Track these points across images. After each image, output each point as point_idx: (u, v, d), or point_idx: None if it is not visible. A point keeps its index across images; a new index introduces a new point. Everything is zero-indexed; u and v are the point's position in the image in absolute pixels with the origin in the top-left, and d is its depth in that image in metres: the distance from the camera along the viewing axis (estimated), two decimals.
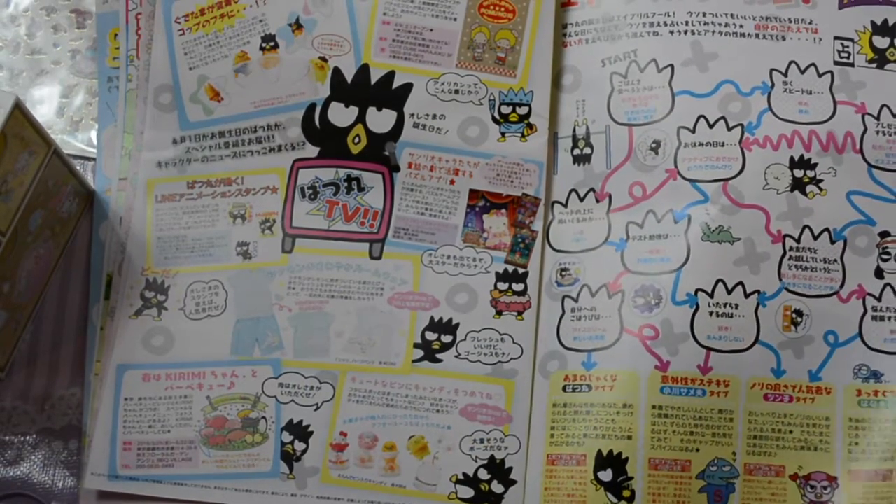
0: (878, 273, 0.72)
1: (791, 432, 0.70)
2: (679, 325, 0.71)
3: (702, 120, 0.74)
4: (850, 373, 0.70)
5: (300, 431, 0.73)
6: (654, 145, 0.74)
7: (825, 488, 0.69)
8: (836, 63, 0.75)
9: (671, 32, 0.76)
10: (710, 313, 0.71)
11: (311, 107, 0.77)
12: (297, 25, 0.78)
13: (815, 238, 0.72)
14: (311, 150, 0.77)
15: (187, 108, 0.77)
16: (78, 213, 0.78)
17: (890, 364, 0.70)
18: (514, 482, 0.72)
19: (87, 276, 0.77)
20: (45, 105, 0.81)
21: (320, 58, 0.77)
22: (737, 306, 0.71)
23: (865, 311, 0.71)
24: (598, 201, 0.75)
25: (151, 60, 0.78)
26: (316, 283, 0.75)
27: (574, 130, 0.76)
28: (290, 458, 0.73)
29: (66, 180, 0.75)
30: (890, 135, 0.73)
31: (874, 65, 0.75)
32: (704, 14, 0.76)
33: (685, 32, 0.76)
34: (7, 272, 0.71)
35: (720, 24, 0.76)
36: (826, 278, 0.71)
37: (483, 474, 0.72)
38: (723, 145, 0.73)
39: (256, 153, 0.77)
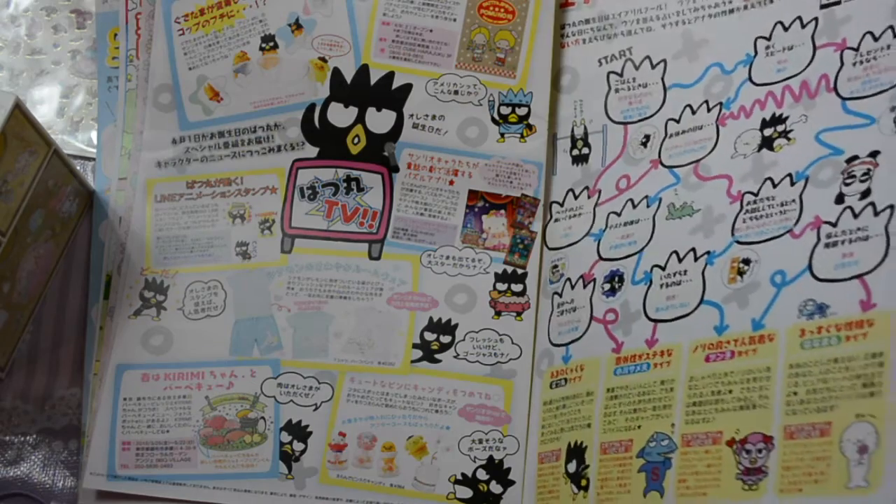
0: (839, 198, 0.63)
1: (731, 391, 0.63)
2: (634, 304, 0.69)
3: (687, 109, 0.72)
4: (794, 312, 0.62)
5: (299, 431, 0.73)
6: (644, 140, 0.74)
7: (760, 451, 0.61)
8: (822, 6, 0.69)
9: (663, 26, 0.75)
10: (661, 286, 0.68)
11: (311, 107, 0.77)
12: (297, 26, 0.78)
13: (775, 186, 0.66)
14: (311, 151, 0.77)
15: (187, 108, 0.78)
16: (78, 213, 0.78)
17: (837, 293, 0.61)
18: (512, 482, 0.72)
19: (87, 276, 0.77)
20: (45, 105, 0.81)
21: (320, 58, 0.77)
22: (685, 272, 0.67)
23: (819, 241, 0.63)
24: (589, 198, 0.75)
25: (151, 60, 0.78)
26: (315, 283, 0.75)
27: (572, 131, 0.76)
28: (288, 458, 0.73)
29: (66, 180, 0.75)
30: (868, 61, 0.66)
31: None
32: (695, 0, 0.74)
33: (676, 24, 0.75)
34: (7, 272, 0.71)
35: (709, 6, 0.74)
36: (781, 220, 0.65)
37: (482, 475, 0.72)
38: (701, 128, 0.71)
39: (256, 153, 0.77)
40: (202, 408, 0.73)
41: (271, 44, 0.78)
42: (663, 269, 0.68)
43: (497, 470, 0.72)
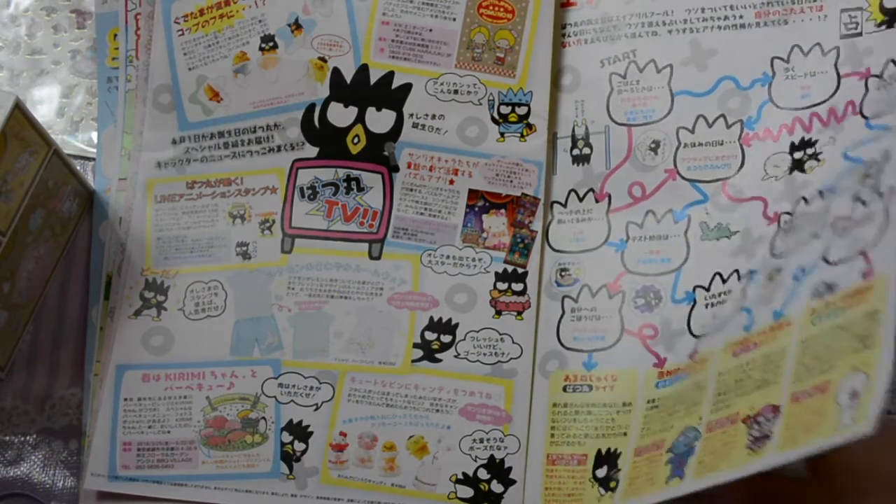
0: (856, 197, 0.65)
1: (751, 377, 0.65)
2: (677, 322, 0.71)
3: (701, 120, 0.74)
4: (807, 298, 0.64)
5: (300, 432, 0.73)
6: (653, 145, 0.74)
7: (768, 420, 0.63)
8: (842, 37, 0.71)
9: (669, 32, 0.75)
10: (706, 305, 0.70)
11: (311, 107, 0.77)
12: (297, 26, 0.78)
13: (808, 203, 0.68)
14: (311, 151, 0.77)
15: (186, 108, 0.78)
16: (78, 213, 0.78)
17: (843, 271, 0.62)
18: (513, 482, 0.72)
19: (87, 276, 0.77)
20: (45, 105, 0.81)
21: (319, 58, 0.77)
22: (730, 292, 0.70)
23: (833, 234, 0.65)
24: (597, 201, 0.75)
25: (151, 61, 0.78)
26: (315, 283, 0.75)
27: (573, 131, 0.76)
28: (289, 458, 0.73)
29: (66, 180, 0.75)
30: (891, 84, 0.68)
31: (884, 27, 0.70)
32: (703, 10, 0.75)
33: (684, 31, 0.75)
34: (7, 272, 0.71)
35: (719, 18, 0.75)
36: (811, 231, 0.67)
37: (483, 474, 0.72)
38: (722, 144, 0.73)
39: (256, 153, 0.77)
40: (203, 408, 0.73)
41: (271, 44, 0.78)
42: (707, 290, 0.71)
43: (498, 469, 0.72)
